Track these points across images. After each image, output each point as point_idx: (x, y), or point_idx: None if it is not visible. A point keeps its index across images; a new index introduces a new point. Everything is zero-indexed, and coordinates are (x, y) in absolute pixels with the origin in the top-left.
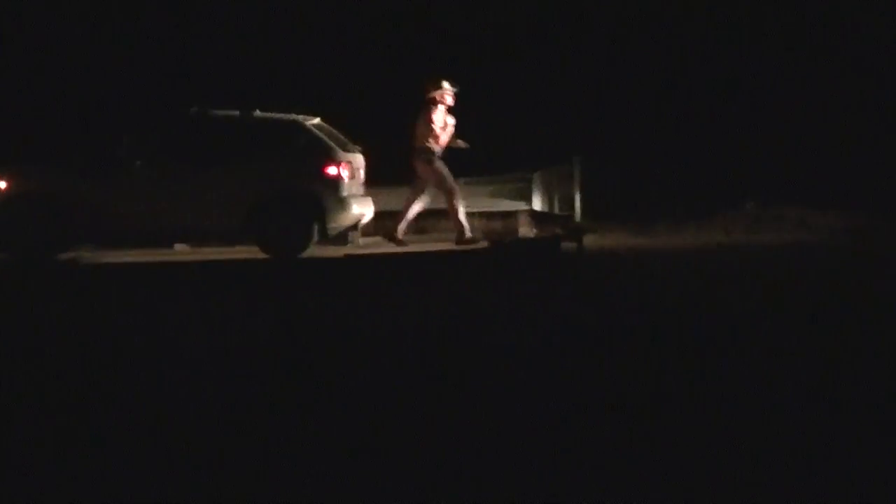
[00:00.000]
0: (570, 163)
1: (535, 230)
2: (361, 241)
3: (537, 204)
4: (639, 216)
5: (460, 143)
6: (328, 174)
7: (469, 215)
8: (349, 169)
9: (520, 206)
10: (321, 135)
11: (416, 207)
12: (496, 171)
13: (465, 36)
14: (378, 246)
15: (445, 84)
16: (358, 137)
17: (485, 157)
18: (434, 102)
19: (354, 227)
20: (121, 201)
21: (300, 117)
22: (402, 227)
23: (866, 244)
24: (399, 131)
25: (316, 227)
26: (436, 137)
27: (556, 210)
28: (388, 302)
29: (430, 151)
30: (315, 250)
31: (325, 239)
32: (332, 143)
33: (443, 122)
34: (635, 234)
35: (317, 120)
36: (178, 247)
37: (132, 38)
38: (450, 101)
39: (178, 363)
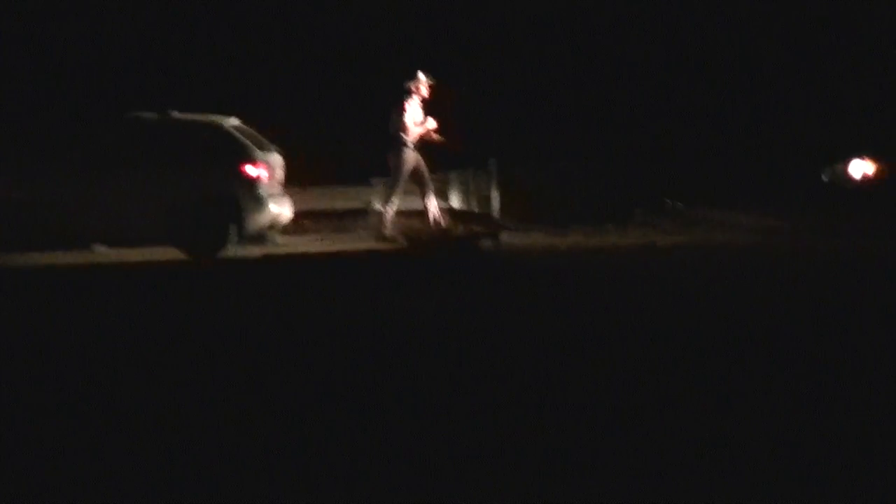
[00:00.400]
0: (487, 163)
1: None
2: (280, 240)
3: (455, 202)
4: (557, 217)
5: (437, 137)
6: (246, 174)
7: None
8: (267, 169)
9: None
10: (239, 135)
11: (431, 199)
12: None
13: (383, 36)
14: (297, 245)
15: (421, 75)
16: (276, 138)
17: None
18: (410, 93)
19: (273, 226)
20: (40, 202)
21: (218, 118)
22: (432, 219)
23: (787, 243)
24: (322, 131)
25: (234, 228)
26: (406, 128)
27: (476, 208)
28: (306, 304)
29: (401, 141)
30: (234, 251)
31: (244, 239)
32: (249, 144)
33: (418, 115)
34: (553, 234)
35: (235, 121)
36: (97, 248)
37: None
38: (424, 92)
39: (78, 365)
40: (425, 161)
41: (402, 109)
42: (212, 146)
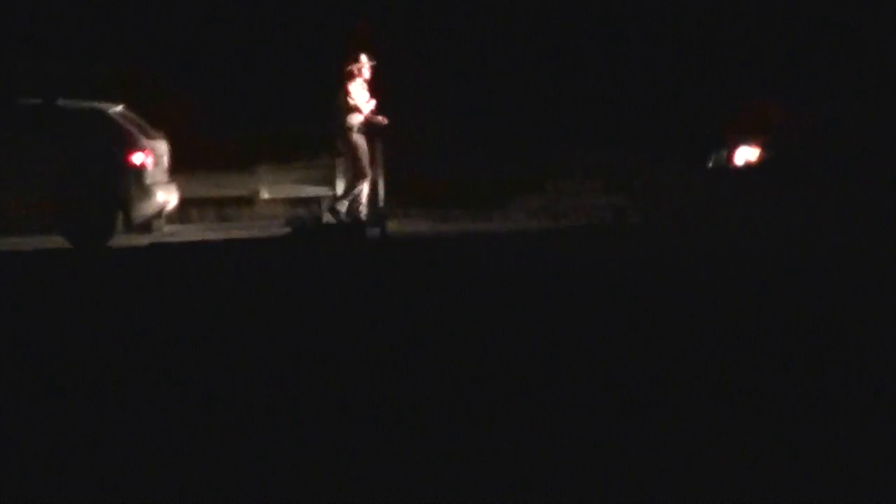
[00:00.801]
0: (374, 150)
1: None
2: (167, 228)
3: (341, 189)
4: (442, 202)
5: (379, 118)
6: (131, 162)
7: (273, 202)
8: (152, 156)
9: (324, 191)
10: (124, 122)
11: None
12: (301, 157)
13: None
14: (183, 234)
15: (363, 57)
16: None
17: (291, 142)
18: (352, 76)
19: (159, 214)
20: None
21: (103, 105)
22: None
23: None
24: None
25: (120, 216)
26: (356, 110)
27: None
28: (193, 293)
29: (350, 126)
30: (120, 239)
31: (130, 227)
32: (134, 131)
33: (363, 97)
34: (439, 219)
35: (120, 107)
36: None
37: None
38: (367, 74)
39: None
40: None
41: (346, 92)
42: (96, 133)
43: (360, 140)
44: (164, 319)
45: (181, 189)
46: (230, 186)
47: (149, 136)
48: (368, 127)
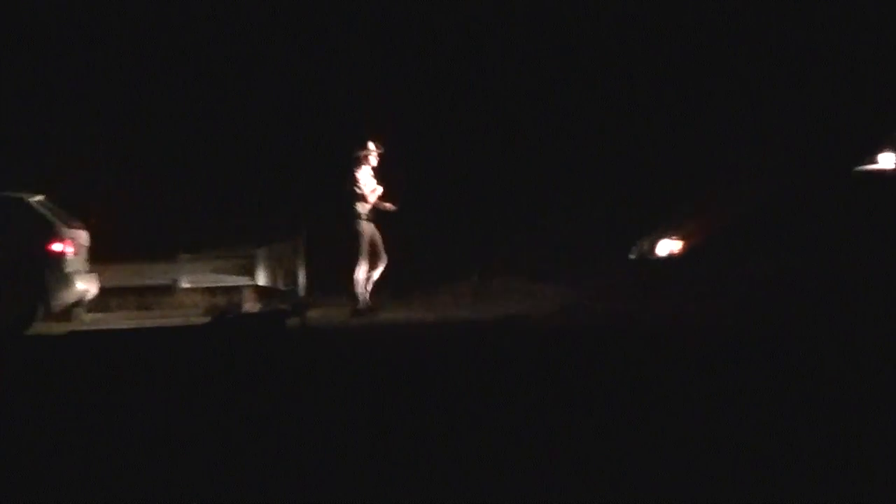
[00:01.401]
0: (294, 237)
1: (259, 305)
2: (87, 317)
3: (262, 279)
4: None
5: (387, 205)
6: (51, 251)
7: (193, 290)
8: (73, 245)
9: (244, 280)
10: (44, 211)
11: (376, 272)
12: (221, 245)
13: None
14: (103, 322)
15: (370, 144)
16: (84, 213)
17: (209, 230)
18: (359, 162)
19: (79, 303)
20: None
21: (23, 194)
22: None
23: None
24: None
25: (40, 305)
26: (363, 198)
27: (281, 285)
28: (110, 381)
29: (357, 213)
30: (40, 327)
31: (50, 315)
32: (55, 220)
33: (371, 184)
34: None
35: (40, 197)
36: None
37: None
38: (374, 161)
39: None
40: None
41: (355, 180)
42: (16, 222)
43: (365, 227)
44: (77, 405)
45: (101, 278)
46: (150, 275)
47: (69, 226)
48: (376, 214)
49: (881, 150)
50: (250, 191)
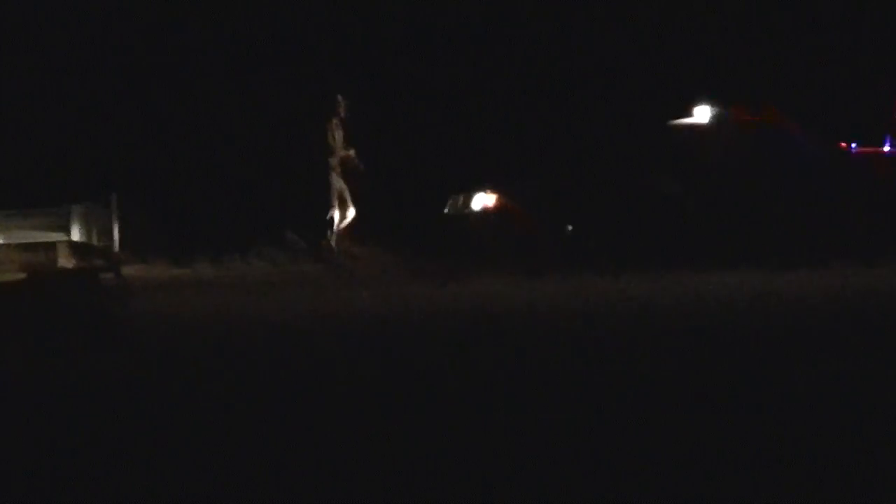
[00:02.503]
0: (109, 195)
1: (74, 261)
2: None
3: (76, 235)
4: (180, 248)
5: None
6: None
7: (7, 247)
8: None
9: (59, 237)
10: None
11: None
12: (35, 202)
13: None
14: None
15: (340, 98)
16: None
17: (24, 187)
18: (331, 119)
19: None
20: None
21: None
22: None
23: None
24: None
25: None
26: (334, 151)
27: (96, 241)
28: None
29: (331, 166)
30: None
31: None
32: None
33: (341, 138)
34: (177, 265)
35: None
36: None
37: None
38: (342, 114)
39: None
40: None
41: (331, 136)
42: None
43: (335, 181)
44: None
45: None
46: None
47: None
48: (345, 168)
49: (696, 104)
50: (68, 146)
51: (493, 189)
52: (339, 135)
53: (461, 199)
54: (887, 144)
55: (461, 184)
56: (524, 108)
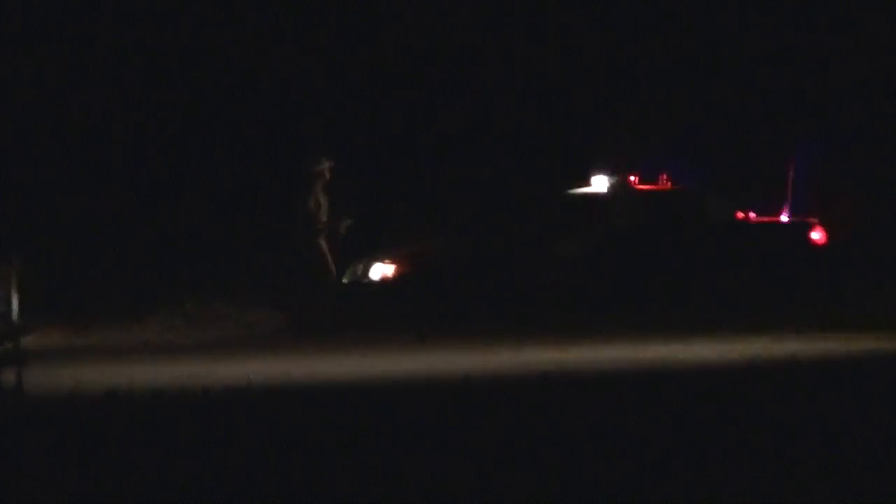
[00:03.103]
0: (7, 259)
1: None
2: None
3: None
4: (80, 313)
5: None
6: None
7: None
8: None
9: None
10: None
11: None
12: None
13: None
14: None
15: (324, 160)
16: None
17: None
18: (316, 178)
19: None
20: None
21: None
22: None
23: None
24: None
25: None
26: (319, 214)
27: None
28: None
29: (317, 228)
30: None
31: None
32: None
33: (323, 199)
34: (77, 332)
35: None
36: None
37: None
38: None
39: None
40: None
41: (312, 194)
42: None
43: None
44: None
45: None
46: None
47: None
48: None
49: (594, 174)
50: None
51: (391, 258)
52: (324, 200)
53: (360, 266)
54: (784, 214)
55: (361, 249)
56: (427, 173)
